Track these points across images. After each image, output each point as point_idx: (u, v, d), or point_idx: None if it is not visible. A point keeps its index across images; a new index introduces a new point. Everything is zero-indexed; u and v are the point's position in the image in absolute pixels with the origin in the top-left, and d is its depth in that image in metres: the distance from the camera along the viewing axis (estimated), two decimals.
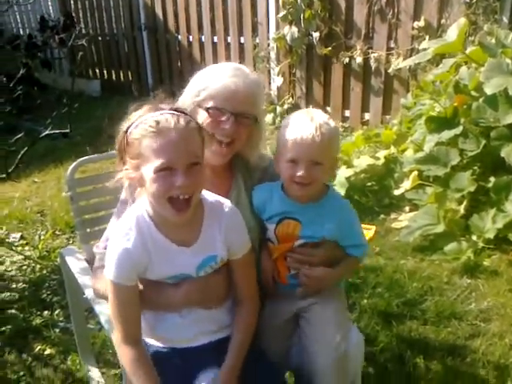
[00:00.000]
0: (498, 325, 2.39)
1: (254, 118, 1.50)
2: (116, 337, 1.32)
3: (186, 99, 1.50)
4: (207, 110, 1.45)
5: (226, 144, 1.48)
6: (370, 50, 4.94)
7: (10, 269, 2.99)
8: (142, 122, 1.19)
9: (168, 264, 1.30)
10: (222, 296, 1.40)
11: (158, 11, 6.69)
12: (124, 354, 1.30)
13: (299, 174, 1.37)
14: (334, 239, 1.49)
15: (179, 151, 1.17)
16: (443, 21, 4.50)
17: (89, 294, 1.65)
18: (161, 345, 1.39)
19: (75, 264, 1.83)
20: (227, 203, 1.37)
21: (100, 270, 1.42)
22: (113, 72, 7.86)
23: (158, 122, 1.16)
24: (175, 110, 1.22)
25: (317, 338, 1.44)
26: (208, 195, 1.35)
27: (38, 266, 2.99)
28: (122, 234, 1.28)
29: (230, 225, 1.33)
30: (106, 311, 1.56)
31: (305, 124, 1.37)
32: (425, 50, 3.85)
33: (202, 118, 1.45)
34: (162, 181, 1.17)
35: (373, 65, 4.94)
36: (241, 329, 1.39)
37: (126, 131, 1.21)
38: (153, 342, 1.40)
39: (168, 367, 1.34)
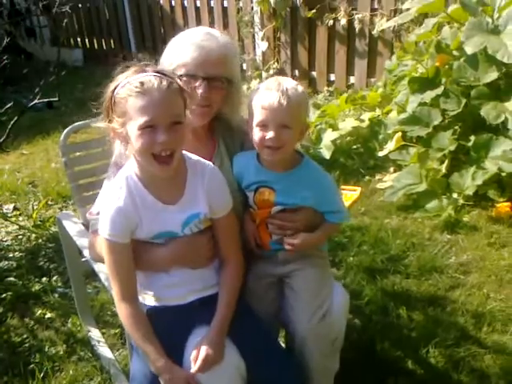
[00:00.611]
0: (476, 277, 2.52)
1: (227, 81, 1.53)
2: (114, 295, 1.41)
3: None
4: (180, 77, 1.46)
5: (205, 108, 1.53)
6: (354, 12, 4.94)
7: (5, 239, 3.05)
8: (128, 83, 1.26)
9: (155, 222, 1.38)
10: (208, 256, 1.47)
11: None
12: (122, 311, 1.39)
13: (268, 136, 1.41)
14: (310, 206, 1.54)
15: (161, 110, 1.25)
16: None
17: (87, 255, 1.72)
18: (152, 303, 1.47)
19: (72, 228, 1.90)
20: (209, 163, 1.45)
21: (95, 234, 1.49)
22: (95, 40, 7.75)
23: (142, 83, 1.24)
24: (158, 72, 1.30)
25: (297, 306, 1.53)
26: (191, 156, 1.43)
27: (34, 235, 3.06)
28: (113, 193, 1.36)
29: (212, 183, 1.41)
30: (105, 270, 1.63)
31: (272, 89, 1.42)
32: (408, 10, 3.88)
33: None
34: (145, 137, 1.25)
35: (357, 26, 4.95)
36: (226, 290, 1.46)
37: (113, 91, 1.29)
38: (146, 302, 1.48)
39: (160, 324, 1.41)
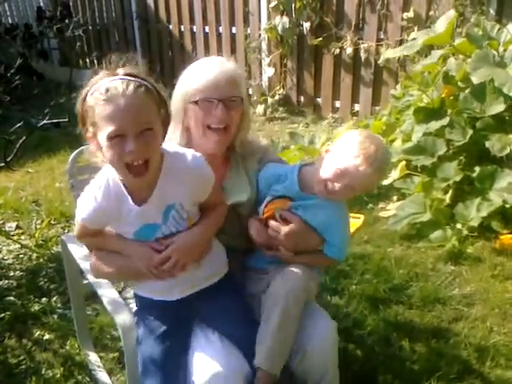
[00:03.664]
0: (479, 309, 2.49)
1: (240, 99, 1.60)
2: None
3: (176, 101, 1.60)
4: (196, 103, 1.55)
5: (222, 130, 1.57)
6: (361, 41, 5.01)
7: (6, 257, 3.04)
8: (96, 90, 1.22)
9: (136, 217, 1.37)
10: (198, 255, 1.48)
11: (149, 0, 6.69)
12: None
13: (335, 189, 1.50)
14: (317, 227, 1.58)
15: (128, 118, 1.20)
16: (432, 12, 4.58)
17: (91, 278, 1.71)
18: (143, 294, 1.53)
19: (76, 250, 1.89)
20: (190, 152, 1.41)
21: (94, 254, 1.54)
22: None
23: (107, 90, 1.20)
24: (128, 75, 1.24)
25: (279, 274, 1.54)
26: (169, 147, 1.39)
27: (35, 255, 3.04)
28: (91, 191, 1.37)
29: (192, 173, 1.39)
30: (108, 294, 1.64)
31: (366, 152, 1.46)
32: (413, 40, 3.93)
33: (195, 112, 1.56)
34: (114, 148, 1.21)
35: (363, 56, 5.01)
36: (207, 215, 1.47)
37: (84, 98, 1.25)
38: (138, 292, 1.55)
39: (150, 314, 1.48)
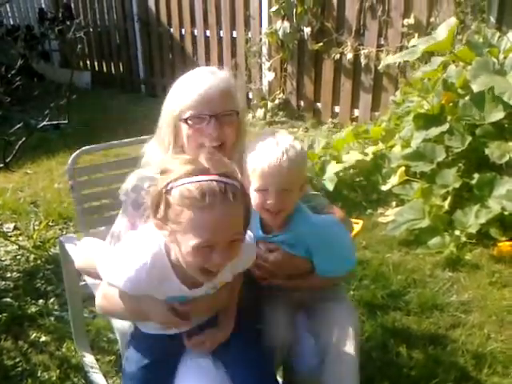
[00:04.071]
0: (477, 316, 2.49)
1: (235, 113, 1.49)
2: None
3: (165, 119, 1.51)
4: (186, 120, 1.45)
5: (217, 148, 1.45)
6: (361, 47, 5.02)
7: (4, 258, 3.03)
8: (185, 187, 1.07)
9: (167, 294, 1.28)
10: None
11: (151, 3, 6.71)
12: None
13: (269, 202, 1.37)
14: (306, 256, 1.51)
15: (223, 230, 1.09)
16: (432, 19, 4.59)
17: (88, 279, 1.70)
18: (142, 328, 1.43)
19: (74, 251, 1.88)
20: (246, 243, 1.27)
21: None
22: (104, 64, 7.86)
23: (203, 194, 1.06)
24: (223, 175, 1.10)
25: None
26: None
27: (33, 256, 3.03)
28: (136, 261, 1.21)
29: (240, 262, 1.29)
30: None
31: (270, 150, 1.36)
32: (414, 46, 3.94)
33: (185, 130, 1.46)
34: (199, 256, 1.11)
35: (363, 61, 5.02)
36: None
37: (166, 187, 1.10)
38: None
39: (141, 343, 1.42)
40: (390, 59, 4.46)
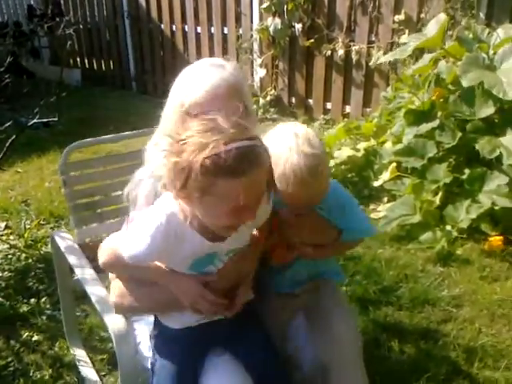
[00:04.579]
0: (468, 310, 2.51)
1: (244, 107, 1.44)
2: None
3: (170, 112, 1.48)
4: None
5: None
6: (352, 43, 5.02)
7: None
8: (220, 157, 1.06)
9: (199, 249, 1.26)
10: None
11: None
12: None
13: (299, 210, 1.38)
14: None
15: (254, 192, 1.12)
16: (423, 15, 4.60)
17: (80, 274, 1.70)
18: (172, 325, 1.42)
19: (66, 247, 1.87)
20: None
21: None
22: (94, 61, 7.81)
23: (240, 162, 1.06)
24: (248, 139, 1.10)
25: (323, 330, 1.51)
26: None
27: (24, 255, 3.02)
28: (148, 224, 1.22)
29: (259, 220, 1.31)
30: (97, 292, 1.62)
31: (293, 162, 1.28)
32: (405, 44, 3.95)
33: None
34: (230, 217, 1.13)
35: (354, 58, 5.02)
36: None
37: (196, 158, 1.07)
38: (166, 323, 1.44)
39: (171, 346, 1.41)
40: (382, 58, 4.44)
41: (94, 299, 1.63)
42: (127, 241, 1.27)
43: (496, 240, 2.94)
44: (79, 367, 2.15)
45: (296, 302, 1.58)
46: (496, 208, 3.01)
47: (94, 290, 1.64)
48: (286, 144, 1.31)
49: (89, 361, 2.18)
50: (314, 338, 1.55)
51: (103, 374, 2.15)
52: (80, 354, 2.21)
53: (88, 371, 2.12)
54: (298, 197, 1.31)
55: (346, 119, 5.08)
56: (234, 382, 1.38)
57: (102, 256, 1.39)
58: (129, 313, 1.54)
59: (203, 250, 1.25)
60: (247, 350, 1.43)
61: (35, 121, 2.48)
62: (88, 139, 2.08)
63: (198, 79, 1.44)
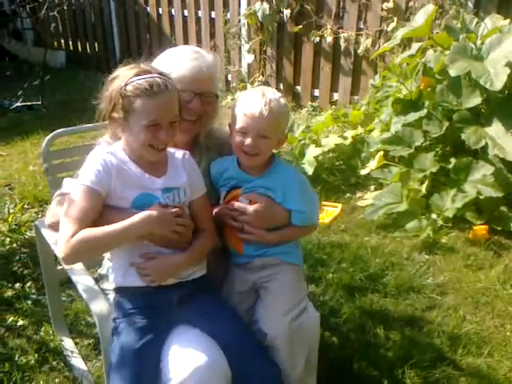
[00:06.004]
0: (452, 298, 2.55)
1: (215, 96, 1.67)
2: (62, 236, 1.38)
3: None
4: None
5: (192, 122, 1.63)
6: (340, 30, 5.01)
7: None
8: (137, 82, 1.39)
9: (137, 185, 1.46)
10: (184, 237, 1.51)
11: None
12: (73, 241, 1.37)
13: (246, 143, 1.52)
14: (279, 202, 1.61)
15: (166, 112, 1.42)
16: (411, 3, 4.60)
17: (64, 264, 1.68)
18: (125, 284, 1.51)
19: (50, 235, 1.85)
20: (185, 152, 1.56)
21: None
22: (78, 43, 7.68)
23: (151, 85, 1.38)
24: (161, 74, 1.43)
25: (272, 305, 1.58)
26: (168, 148, 1.54)
27: (8, 240, 2.97)
28: (99, 156, 1.45)
29: (191, 167, 1.55)
30: (83, 281, 1.62)
31: (256, 98, 1.52)
32: (393, 31, 3.95)
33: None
34: (149, 133, 1.41)
35: (342, 45, 5.02)
36: (198, 236, 1.55)
37: (122, 87, 1.40)
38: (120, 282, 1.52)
39: (130, 306, 1.49)
40: (378, 51, 4.38)
41: (80, 288, 1.62)
42: (82, 173, 1.44)
43: (481, 229, 2.98)
44: (66, 355, 2.13)
45: (250, 277, 1.64)
46: (481, 197, 3.04)
47: (80, 279, 1.64)
48: (254, 92, 1.57)
49: (75, 348, 2.17)
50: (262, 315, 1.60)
51: (89, 359, 2.14)
52: (66, 340, 2.20)
53: (75, 360, 2.10)
54: (248, 126, 1.51)
55: (333, 106, 5.08)
56: (200, 342, 1.44)
57: (49, 213, 1.57)
58: (82, 254, 1.43)
59: (142, 182, 1.46)
60: (211, 322, 1.50)
61: (18, 104, 2.43)
62: (70, 128, 2.08)
63: (181, 61, 1.62)
